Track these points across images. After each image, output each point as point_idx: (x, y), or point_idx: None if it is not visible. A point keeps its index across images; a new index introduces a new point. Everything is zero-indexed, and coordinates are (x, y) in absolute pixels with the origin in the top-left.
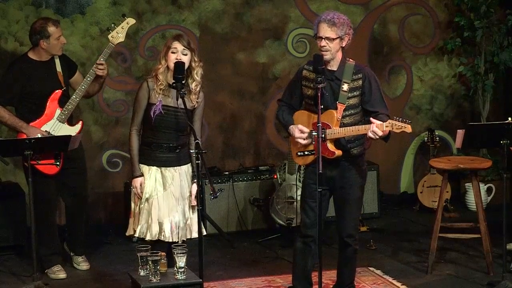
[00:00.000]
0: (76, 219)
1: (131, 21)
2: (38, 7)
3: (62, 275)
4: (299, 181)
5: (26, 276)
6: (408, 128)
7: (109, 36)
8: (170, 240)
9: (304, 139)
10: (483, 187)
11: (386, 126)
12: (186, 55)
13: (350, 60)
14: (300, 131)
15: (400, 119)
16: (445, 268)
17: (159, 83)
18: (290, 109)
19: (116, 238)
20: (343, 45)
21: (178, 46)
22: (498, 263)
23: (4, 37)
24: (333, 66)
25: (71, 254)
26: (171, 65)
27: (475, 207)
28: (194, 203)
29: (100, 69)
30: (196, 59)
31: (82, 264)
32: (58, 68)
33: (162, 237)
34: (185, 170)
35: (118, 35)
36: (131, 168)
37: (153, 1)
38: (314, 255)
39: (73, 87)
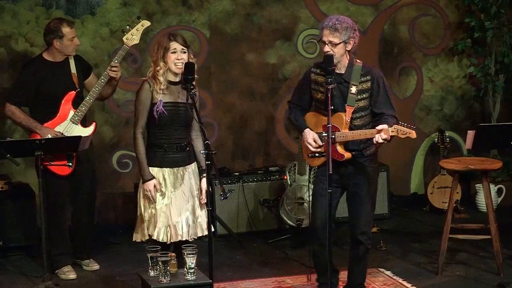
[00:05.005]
0: (82, 222)
1: (146, 23)
2: (49, 8)
3: (72, 275)
4: (310, 182)
5: (36, 277)
6: (413, 134)
7: (124, 38)
8: (183, 239)
9: (314, 148)
10: (493, 188)
11: (392, 132)
12: (185, 53)
13: (358, 61)
14: (313, 139)
15: (406, 124)
16: (455, 269)
17: (161, 84)
18: (301, 110)
19: (126, 238)
20: (349, 49)
21: (176, 46)
22: (509, 264)
23: (15, 38)
24: (341, 69)
25: (77, 261)
26: (172, 66)
27: (485, 208)
28: (204, 200)
29: (113, 71)
30: (192, 56)
31: (91, 265)
32: (73, 69)
33: (178, 237)
34: (193, 168)
35: (133, 37)
36: (140, 172)
37: (164, 2)
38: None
39: (87, 88)
